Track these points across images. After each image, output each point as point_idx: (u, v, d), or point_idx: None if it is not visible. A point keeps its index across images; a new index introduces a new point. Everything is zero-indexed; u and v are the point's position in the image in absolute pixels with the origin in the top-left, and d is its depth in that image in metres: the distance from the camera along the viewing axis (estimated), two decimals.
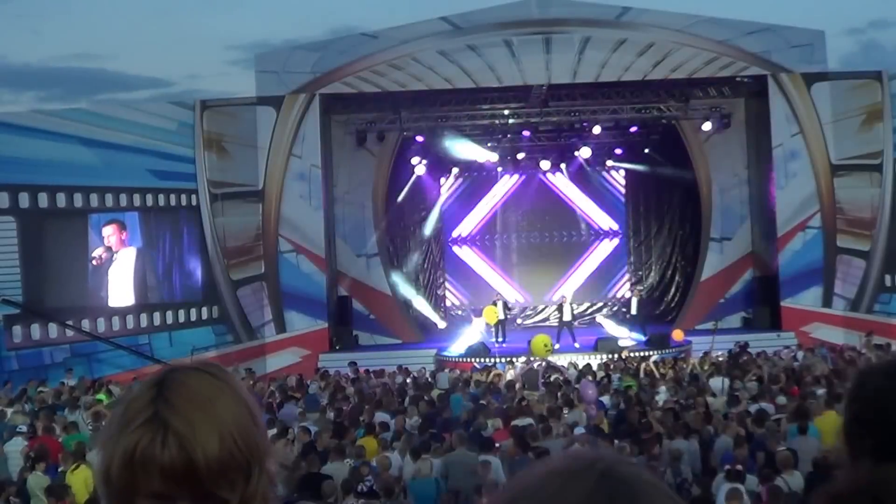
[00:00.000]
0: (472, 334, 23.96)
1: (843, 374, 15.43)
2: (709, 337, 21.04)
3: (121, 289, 21.31)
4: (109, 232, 21.23)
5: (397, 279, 26.85)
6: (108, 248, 21.17)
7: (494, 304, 24.66)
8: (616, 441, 11.02)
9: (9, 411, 14.53)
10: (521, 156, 27.36)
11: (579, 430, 11.40)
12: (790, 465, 9.41)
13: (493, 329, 24.08)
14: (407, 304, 27.20)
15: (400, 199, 26.95)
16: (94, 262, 20.82)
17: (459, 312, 28.15)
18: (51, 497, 9.36)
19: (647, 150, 27.35)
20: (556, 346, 22.01)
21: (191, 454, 1.46)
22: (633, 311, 24.89)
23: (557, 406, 13.56)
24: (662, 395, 14.74)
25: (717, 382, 15.81)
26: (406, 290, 27.06)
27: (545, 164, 27.58)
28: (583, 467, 1.09)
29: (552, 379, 17.26)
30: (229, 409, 1.53)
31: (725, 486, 8.40)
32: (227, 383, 1.57)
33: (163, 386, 1.53)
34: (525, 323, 28.51)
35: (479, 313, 25.02)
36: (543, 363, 19.29)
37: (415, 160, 26.50)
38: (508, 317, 25.42)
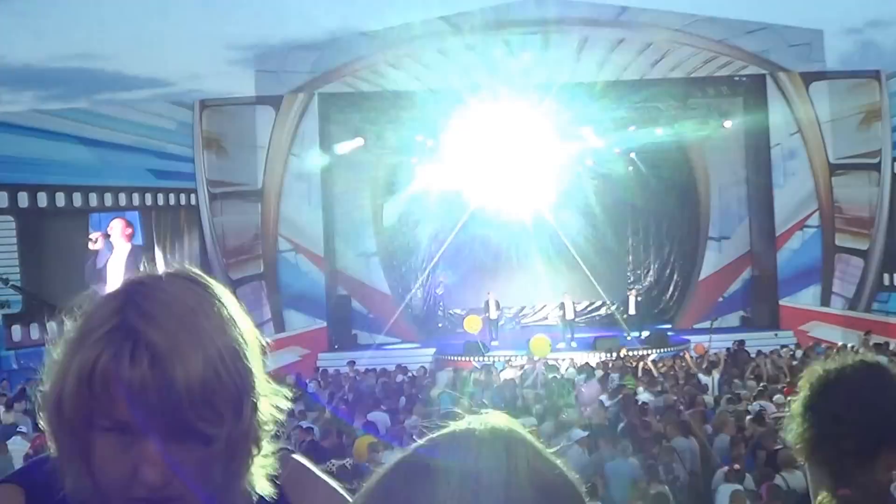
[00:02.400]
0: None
1: None
2: (706, 336, 21.10)
3: (114, 284, 21.09)
4: (115, 224, 21.08)
5: (397, 279, 26.86)
6: (108, 237, 20.98)
7: (486, 303, 24.71)
8: (615, 440, 11.03)
9: (9, 412, 14.54)
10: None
11: (577, 433, 11.40)
12: (792, 463, 9.42)
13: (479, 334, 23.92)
14: (406, 304, 27.21)
15: (399, 198, 26.94)
16: (89, 245, 20.60)
17: (459, 312, 28.16)
18: None
19: (645, 150, 27.33)
20: (561, 346, 22.08)
21: (168, 371, 1.15)
22: (632, 310, 24.94)
23: (555, 405, 13.59)
24: (644, 396, 14.67)
25: (717, 382, 15.84)
26: (405, 289, 27.06)
27: (545, 165, 27.56)
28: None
29: (550, 378, 17.30)
30: (219, 325, 1.23)
31: (726, 488, 8.42)
32: (214, 294, 1.28)
33: (132, 292, 1.23)
34: (525, 322, 28.53)
35: (479, 312, 25.01)
36: (543, 362, 19.32)
37: (413, 159, 26.50)
38: (499, 317, 25.38)
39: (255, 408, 1.25)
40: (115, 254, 21.00)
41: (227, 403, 1.20)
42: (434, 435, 1.00)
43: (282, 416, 1.33)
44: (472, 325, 23.58)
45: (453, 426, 1.01)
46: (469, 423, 1.00)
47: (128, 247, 21.21)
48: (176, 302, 1.21)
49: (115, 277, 20.94)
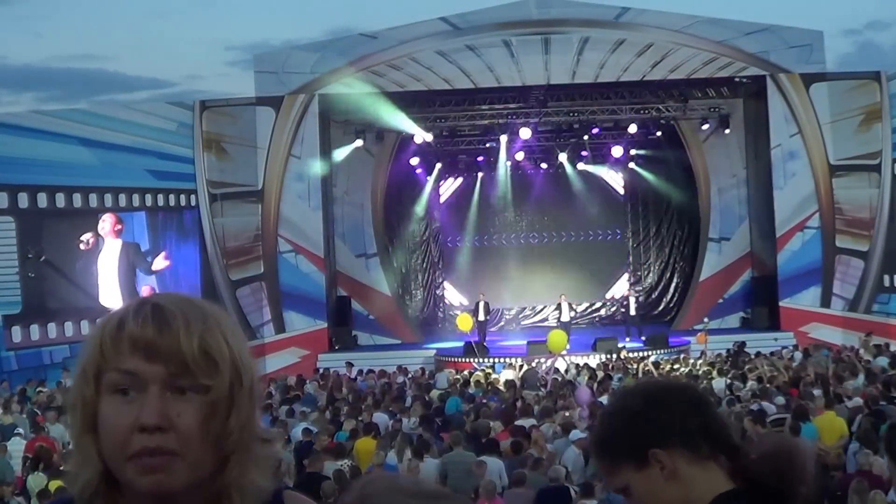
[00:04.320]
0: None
1: (841, 376, 15.48)
2: (705, 334, 21.16)
3: (107, 282, 20.58)
4: (106, 219, 20.86)
5: (396, 279, 26.87)
6: (98, 236, 20.78)
7: (477, 305, 24.72)
8: None
9: (8, 413, 14.53)
10: (519, 156, 27.37)
11: (576, 433, 11.39)
12: None
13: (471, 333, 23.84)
14: (406, 305, 27.22)
15: (398, 199, 26.98)
16: (81, 247, 20.42)
17: (458, 312, 28.15)
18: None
19: (645, 151, 27.37)
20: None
21: (168, 320, 1.32)
22: (632, 311, 24.95)
23: (553, 407, 13.57)
24: None
25: (717, 383, 15.82)
26: (405, 290, 27.06)
27: (544, 165, 27.61)
28: None
29: (551, 379, 17.29)
30: (223, 317, 1.40)
31: None
32: (224, 310, 1.46)
33: (153, 297, 1.39)
34: (524, 323, 28.54)
35: (475, 313, 24.98)
36: (550, 361, 19.26)
37: (413, 160, 26.54)
38: (489, 319, 25.35)
39: (251, 397, 1.36)
40: (105, 249, 20.82)
41: (225, 361, 1.32)
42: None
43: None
44: (464, 323, 23.54)
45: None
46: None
47: (118, 243, 21.03)
48: (191, 301, 1.40)
49: (107, 273, 20.80)
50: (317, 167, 23.64)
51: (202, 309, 1.37)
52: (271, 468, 1.42)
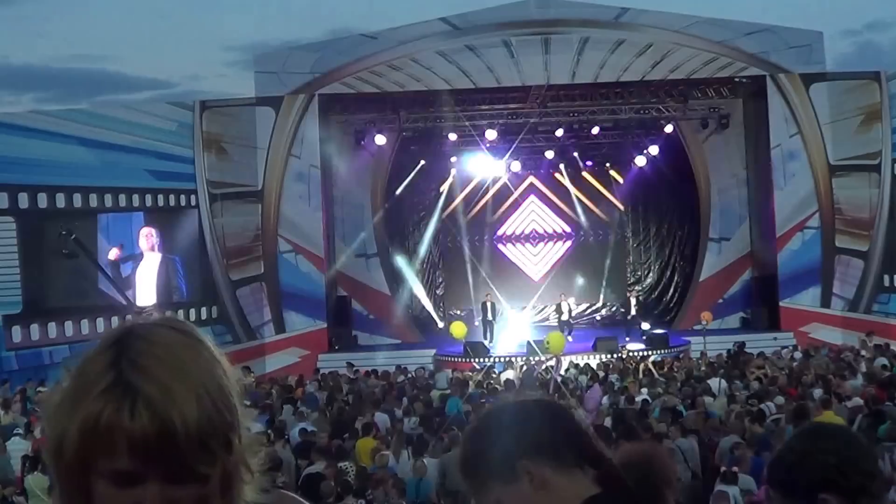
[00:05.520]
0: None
1: (842, 375, 15.49)
2: (705, 337, 21.16)
3: (145, 291, 21.70)
4: (146, 233, 21.72)
5: (396, 279, 26.88)
6: (122, 246, 21.50)
7: (483, 305, 24.70)
8: (615, 441, 11.02)
9: (7, 413, 14.55)
10: (519, 157, 27.36)
11: None
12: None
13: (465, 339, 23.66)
14: (406, 305, 27.23)
15: (399, 199, 26.98)
16: (110, 259, 21.11)
17: (459, 313, 28.17)
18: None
19: (645, 151, 27.37)
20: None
21: (166, 422, 1.23)
22: (633, 311, 24.95)
23: None
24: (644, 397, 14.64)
25: (717, 383, 15.83)
26: (405, 290, 27.07)
27: (544, 165, 27.61)
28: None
29: (550, 380, 17.27)
30: (204, 367, 1.31)
31: (721, 489, 8.42)
32: (197, 339, 1.35)
33: (123, 345, 1.30)
34: (524, 323, 28.48)
35: (476, 314, 24.99)
36: (553, 361, 19.23)
37: (413, 161, 26.53)
38: (495, 319, 25.35)
39: (241, 437, 1.33)
40: (144, 263, 21.55)
41: (220, 441, 1.28)
42: None
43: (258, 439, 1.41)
44: (458, 330, 23.25)
45: None
46: None
47: (157, 256, 21.74)
48: (167, 351, 1.29)
49: (145, 286, 21.38)
50: (316, 167, 23.64)
51: (187, 376, 1.28)
52: (266, 482, 1.42)
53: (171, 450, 1.24)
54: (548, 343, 19.85)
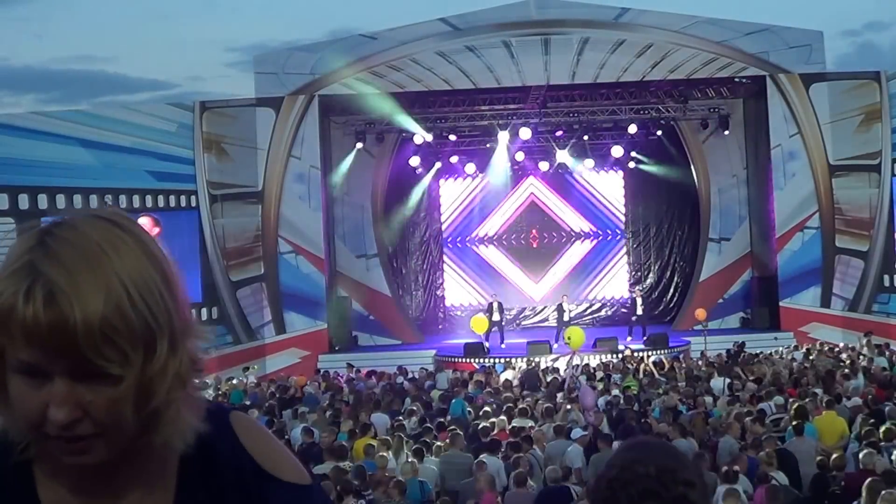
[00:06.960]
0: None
1: (843, 375, 15.49)
2: (705, 336, 21.16)
3: None
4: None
5: (396, 280, 26.87)
6: None
7: (490, 306, 24.71)
8: (615, 441, 11.03)
9: None
10: (519, 156, 27.36)
11: (578, 432, 11.40)
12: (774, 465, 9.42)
13: (485, 336, 23.77)
14: (406, 305, 27.23)
15: (398, 199, 26.98)
16: None
17: (459, 313, 28.17)
18: None
19: (645, 151, 27.38)
20: (556, 346, 22.09)
21: (63, 310, 1.15)
22: (639, 311, 24.89)
23: (552, 407, 13.57)
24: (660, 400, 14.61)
25: (717, 383, 15.84)
26: (405, 290, 27.06)
27: (544, 166, 27.60)
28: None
29: (550, 380, 17.28)
30: (130, 262, 1.21)
31: (721, 488, 8.41)
32: (132, 234, 1.25)
33: (48, 232, 1.24)
34: (524, 324, 28.52)
35: (486, 310, 24.90)
36: (569, 357, 19.18)
37: (413, 161, 26.55)
38: (504, 319, 25.35)
39: (173, 346, 1.23)
40: None
41: (135, 343, 1.19)
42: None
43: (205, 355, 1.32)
44: (479, 325, 23.34)
45: None
46: None
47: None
48: (85, 240, 1.21)
49: None
50: (317, 168, 23.65)
51: (100, 266, 1.19)
52: (204, 402, 1.34)
53: (68, 342, 1.15)
54: (569, 338, 19.83)
